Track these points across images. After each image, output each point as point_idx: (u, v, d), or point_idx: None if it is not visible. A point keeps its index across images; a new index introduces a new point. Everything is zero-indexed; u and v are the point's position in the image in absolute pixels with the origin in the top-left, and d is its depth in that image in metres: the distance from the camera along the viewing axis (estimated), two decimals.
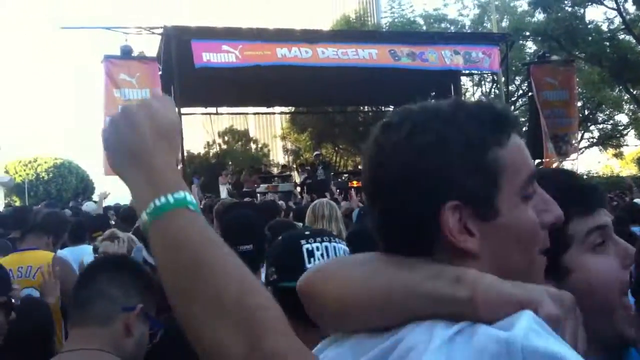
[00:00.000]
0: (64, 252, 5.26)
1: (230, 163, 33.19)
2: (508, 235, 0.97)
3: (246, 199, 15.05)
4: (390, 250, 1.03)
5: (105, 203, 10.83)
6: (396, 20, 31.39)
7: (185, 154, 16.23)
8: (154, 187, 1.01)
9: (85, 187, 46.18)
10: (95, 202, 11.90)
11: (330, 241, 1.89)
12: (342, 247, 1.92)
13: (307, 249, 1.85)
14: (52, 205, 10.65)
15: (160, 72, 14.41)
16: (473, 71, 22.17)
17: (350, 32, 24.89)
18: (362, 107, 30.14)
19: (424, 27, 29.57)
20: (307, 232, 1.96)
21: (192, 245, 0.95)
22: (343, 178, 21.92)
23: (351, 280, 1.02)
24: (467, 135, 0.97)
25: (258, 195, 18.24)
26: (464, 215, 0.96)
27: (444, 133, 0.97)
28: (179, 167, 1.12)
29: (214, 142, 42.22)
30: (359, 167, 28.86)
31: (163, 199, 0.99)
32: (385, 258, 1.03)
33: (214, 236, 0.99)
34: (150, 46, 15.89)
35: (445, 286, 0.91)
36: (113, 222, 7.89)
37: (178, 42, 13.75)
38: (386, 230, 1.04)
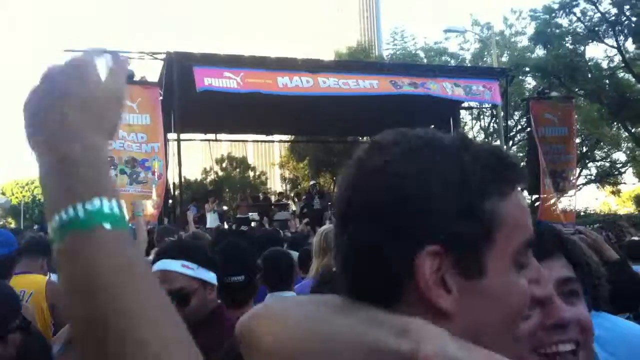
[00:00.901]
0: None
1: (227, 190, 33.20)
2: (492, 301, 0.84)
3: (242, 227, 14.97)
4: (352, 292, 0.88)
5: None
6: (398, 52, 31.68)
7: (182, 180, 16.14)
8: (64, 188, 0.76)
9: None
10: None
11: None
12: None
13: None
14: (46, 229, 10.52)
15: (161, 98, 14.43)
16: (472, 103, 22.29)
17: (352, 62, 25.03)
18: (361, 138, 30.22)
19: (425, 60, 29.81)
20: None
21: (102, 291, 0.70)
22: None
23: (291, 326, 0.86)
24: (466, 174, 0.83)
25: (252, 223, 18.13)
26: (444, 265, 0.81)
27: (440, 164, 0.83)
28: (107, 159, 0.84)
29: (211, 168, 42.30)
30: None
31: (71, 212, 0.74)
32: (331, 301, 0.89)
33: (136, 273, 0.74)
34: (152, 72, 15.96)
35: (389, 338, 0.78)
36: None
37: (180, 68, 13.79)
38: (350, 266, 0.88)
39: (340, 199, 0.90)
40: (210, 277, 2.53)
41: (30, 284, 4.13)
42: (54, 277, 4.89)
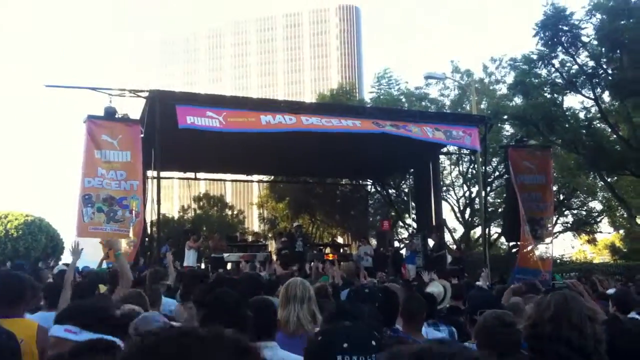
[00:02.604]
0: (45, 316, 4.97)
1: (204, 228, 32.91)
2: None
3: (220, 271, 14.77)
4: None
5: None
6: (381, 97, 32.00)
7: (159, 217, 15.96)
8: None
9: (54, 247, 45.24)
10: (67, 265, 11.44)
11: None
12: None
13: None
14: (18, 267, 10.15)
15: (142, 135, 14.34)
16: (452, 149, 22.48)
17: (334, 105, 25.24)
18: (341, 180, 30.30)
19: (406, 105, 30.13)
20: (345, 344, 1.86)
21: None
22: (319, 250, 21.71)
23: None
24: None
25: (228, 264, 17.93)
26: None
27: None
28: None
29: (189, 206, 42.01)
30: (334, 239, 28.78)
31: None
32: None
33: None
34: (133, 109, 15.87)
35: None
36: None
37: (162, 107, 13.73)
38: None
39: None
40: None
41: (22, 329, 3.96)
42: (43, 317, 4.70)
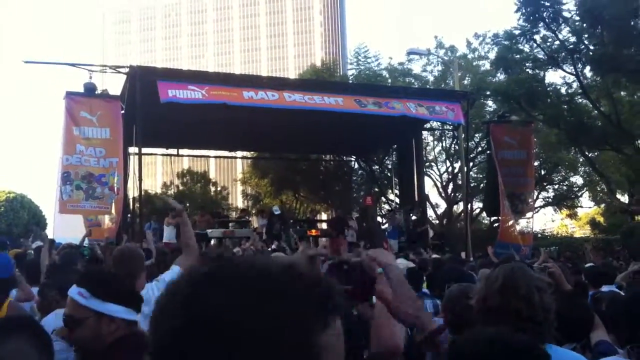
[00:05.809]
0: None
1: (187, 205, 32.82)
2: None
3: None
4: None
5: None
6: (362, 73, 31.86)
7: (142, 193, 15.88)
8: None
9: (37, 223, 44.95)
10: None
11: None
12: None
13: None
14: (1, 244, 9.99)
15: (122, 112, 14.23)
16: (435, 124, 22.52)
17: (317, 81, 25.14)
18: (324, 156, 30.27)
19: (389, 81, 30.05)
20: None
21: None
22: (301, 226, 21.75)
23: None
24: (295, 313, 0.86)
25: (212, 240, 17.86)
26: None
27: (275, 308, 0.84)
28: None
29: (171, 182, 41.86)
30: (317, 216, 28.88)
31: None
32: None
33: None
34: (113, 86, 15.74)
35: None
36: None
37: (143, 82, 13.60)
38: None
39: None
40: (107, 309, 2.45)
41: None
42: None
